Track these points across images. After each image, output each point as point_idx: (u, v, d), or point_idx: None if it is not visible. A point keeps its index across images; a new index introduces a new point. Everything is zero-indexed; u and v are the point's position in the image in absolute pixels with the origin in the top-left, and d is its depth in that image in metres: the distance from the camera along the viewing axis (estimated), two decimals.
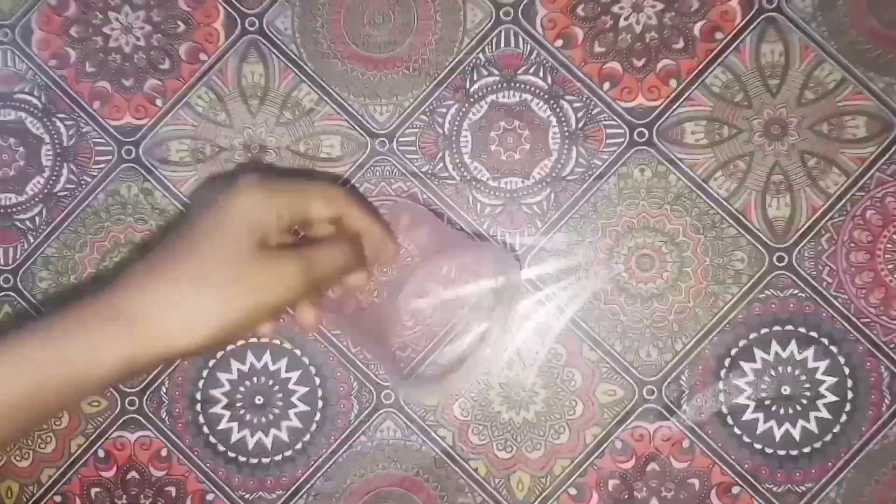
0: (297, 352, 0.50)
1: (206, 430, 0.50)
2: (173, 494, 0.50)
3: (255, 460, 0.50)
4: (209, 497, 0.50)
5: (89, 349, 0.35)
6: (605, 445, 0.49)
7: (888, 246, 0.48)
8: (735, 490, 0.48)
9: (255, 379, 0.50)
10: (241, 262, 0.37)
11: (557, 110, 0.49)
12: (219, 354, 0.50)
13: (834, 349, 0.48)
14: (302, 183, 0.42)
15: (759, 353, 0.48)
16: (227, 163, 0.50)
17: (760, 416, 0.48)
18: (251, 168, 0.50)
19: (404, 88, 0.50)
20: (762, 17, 0.49)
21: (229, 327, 0.37)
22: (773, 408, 0.48)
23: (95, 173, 0.50)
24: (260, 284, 0.38)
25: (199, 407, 0.50)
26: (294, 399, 0.50)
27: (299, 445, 0.50)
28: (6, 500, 0.50)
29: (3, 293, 0.50)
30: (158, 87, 0.51)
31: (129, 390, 0.50)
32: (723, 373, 0.48)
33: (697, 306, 0.49)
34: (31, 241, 0.50)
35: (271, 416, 0.50)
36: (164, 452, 0.50)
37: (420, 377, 0.48)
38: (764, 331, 0.48)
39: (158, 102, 0.50)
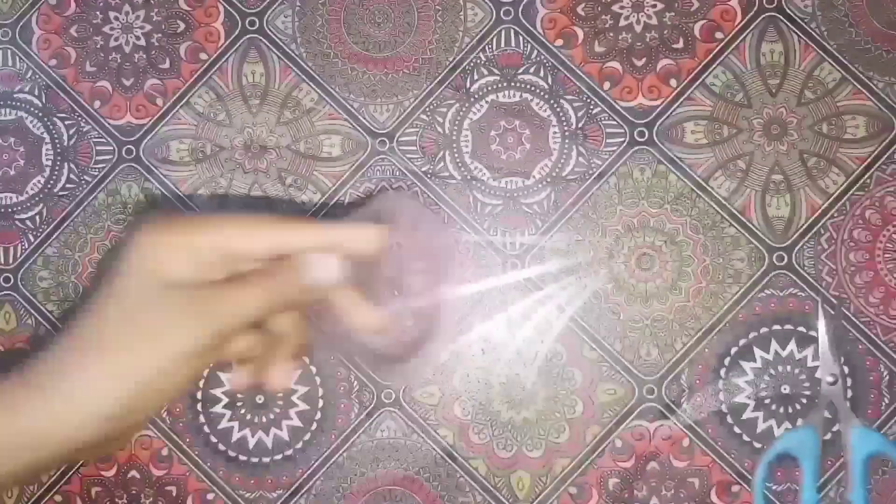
0: None
1: (206, 429, 0.50)
2: (174, 494, 0.50)
3: (255, 459, 0.50)
4: (209, 496, 0.50)
5: (24, 416, 0.32)
6: (605, 444, 0.49)
7: (888, 245, 0.48)
8: (735, 489, 0.48)
9: None
10: (136, 311, 0.33)
11: (557, 110, 0.49)
12: None
13: None
14: (217, 216, 0.36)
15: (758, 353, 0.48)
16: (227, 162, 0.50)
17: (760, 415, 0.48)
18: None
19: (404, 88, 0.50)
20: (762, 16, 0.49)
21: (138, 390, 0.32)
22: (773, 407, 0.48)
23: (95, 173, 0.50)
24: (154, 331, 0.33)
25: (199, 406, 0.50)
26: (294, 398, 0.50)
27: (299, 445, 0.50)
28: (7, 499, 0.50)
29: (3, 293, 0.50)
30: (158, 86, 0.51)
31: None
32: (723, 372, 0.48)
33: (697, 305, 0.49)
34: (31, 240, 0.50)
35: (272, 416, 0.50)
36: (164, 452, 0.50)
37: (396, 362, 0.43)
38: (764, 330, 0.48)
39: (158, 102, 0.50)
